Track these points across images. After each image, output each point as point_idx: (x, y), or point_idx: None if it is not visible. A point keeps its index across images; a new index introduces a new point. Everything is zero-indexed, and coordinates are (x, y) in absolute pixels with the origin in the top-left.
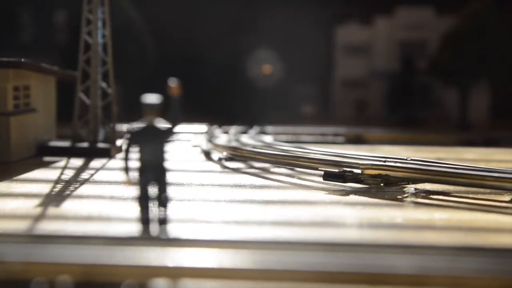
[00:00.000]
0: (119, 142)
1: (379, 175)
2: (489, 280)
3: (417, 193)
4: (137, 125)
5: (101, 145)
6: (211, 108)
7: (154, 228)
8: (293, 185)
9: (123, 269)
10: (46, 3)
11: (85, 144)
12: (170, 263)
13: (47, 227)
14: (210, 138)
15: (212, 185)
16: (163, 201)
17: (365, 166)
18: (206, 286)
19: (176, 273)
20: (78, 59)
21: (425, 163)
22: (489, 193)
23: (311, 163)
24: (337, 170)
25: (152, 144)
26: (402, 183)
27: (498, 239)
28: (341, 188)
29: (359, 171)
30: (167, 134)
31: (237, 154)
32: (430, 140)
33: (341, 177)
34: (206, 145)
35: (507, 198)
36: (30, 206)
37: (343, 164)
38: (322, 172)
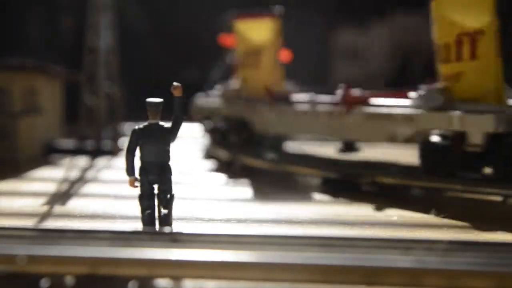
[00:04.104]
0: (122, 142)
1: (375, 182)
2: (486, 277)
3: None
4: (141, 125)
5: (105, 144)
6: None
7: (156, 227)
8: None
9: (125, 268)
10: (52, 6)
11: (90, 144)
12: (172, 262)
13: (53, 225)
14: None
15: (213, 185)
16: (165, 200)
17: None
18: (207, 286)
19: (177, 272)
20: (83, 61)
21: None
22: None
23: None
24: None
25: (155, 144)
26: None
27: (493, 235)
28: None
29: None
30: (170, 134)
31: None
32: None
33: (339, 183)
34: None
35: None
36: (37, 204)
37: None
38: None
